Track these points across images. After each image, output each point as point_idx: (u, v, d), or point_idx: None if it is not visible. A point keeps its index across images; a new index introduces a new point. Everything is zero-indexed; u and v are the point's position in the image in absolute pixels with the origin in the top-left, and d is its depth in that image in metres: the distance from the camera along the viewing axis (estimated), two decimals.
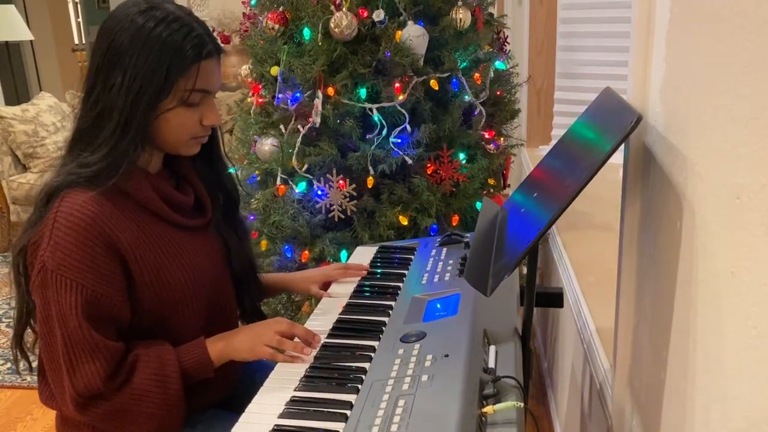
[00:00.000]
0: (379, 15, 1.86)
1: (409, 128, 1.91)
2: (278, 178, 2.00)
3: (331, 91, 1.87)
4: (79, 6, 7.41)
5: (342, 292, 1.34)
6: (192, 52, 1.05)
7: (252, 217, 2.07)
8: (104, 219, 1.03)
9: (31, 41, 5.96)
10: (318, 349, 1.12)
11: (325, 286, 1.40)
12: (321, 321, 1.22)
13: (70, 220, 1.01)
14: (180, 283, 1.12)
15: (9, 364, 2.64)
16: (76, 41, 7.39)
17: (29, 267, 1.06)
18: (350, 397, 0.95)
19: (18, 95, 6.47)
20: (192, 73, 1.06)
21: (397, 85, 1.87)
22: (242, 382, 1.29)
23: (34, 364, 1.20)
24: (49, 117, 3.95)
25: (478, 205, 2.01)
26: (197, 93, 1.08)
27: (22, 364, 1.24)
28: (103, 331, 1.04)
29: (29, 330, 1.15)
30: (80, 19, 7.44)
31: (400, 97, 1.87)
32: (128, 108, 1.04)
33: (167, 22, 1.04)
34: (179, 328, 1.14)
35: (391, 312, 1.21)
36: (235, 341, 1.14)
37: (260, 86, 2.04)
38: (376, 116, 1.90)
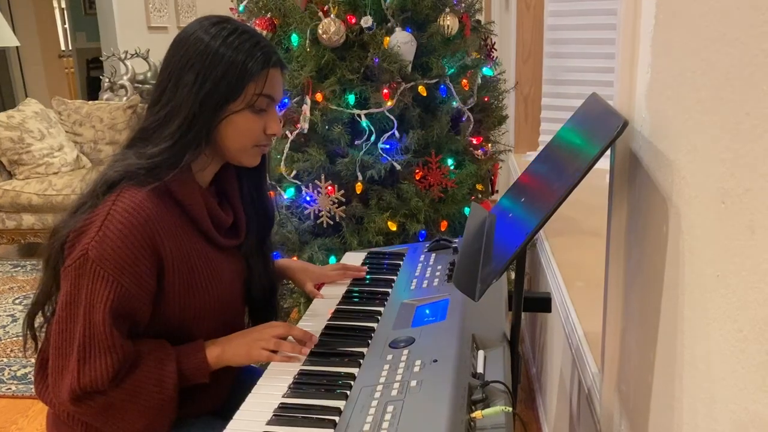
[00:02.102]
0: (367, 21, 1.87)
1: (397, 134, 1.92)
2: None
3: (319, 97, 1.87)
4: (65, 12, 7.38)
5: (333, 294, 1.34)
6: (262, 58, 1.10)
7: None
8: (155, 223, 1.06)
9: (17, 47, 5.92)
10: (307, 355, 1.11)
11: (319, 286, 1.40)
12: (311, 325, 1.21)
13: (124, 216, 1.03)
14: (204, 298, 1.14)
15: None
16: (63, 47, 7.35)
17: (67, 251, 1.06)
18: (339, 403, 0.95)
19: (3, 101, 6.43)
20: (261, 78, 1.11)
21: (385, 91, 1.88)
22: (235, 389, 1.28)
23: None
24: (34, 123, 3.92)
25: (467, 210, 2.02)
26: (264, 98, 1.12)
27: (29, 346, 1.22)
28: (120, 329, 1.05)
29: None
30: (67, 26, 7.41)
31: (389, 103, 1.88)
32: (197, 105, 1.08)
33: (236, 36, 1.10)
34: (188, 338, 1.15)
35: (379, 318, 1.21)
36: (232, 346, 1.14)
37: None
38: (364, 122, 1.90)
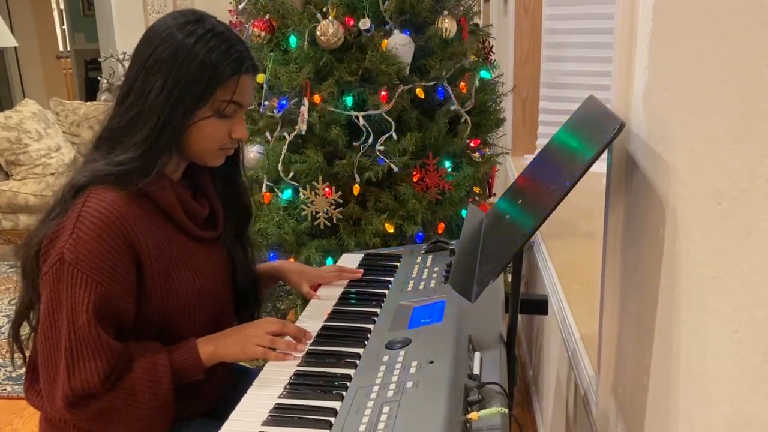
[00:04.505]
0: (365, 23, 1.87)
1: (395, 136, 1.92)
2: (264, 186, 1.99)
3: (317, 98, 1.87)
4: (64, 13, 7.37)
5: (330, 295, 1.34)
6: (233, 65, 1.08)
7: None
8: (128, 220, 1.04)
9: (15, 48, 5.91)
10: (302, 353, 1.11)
11: (315, 287, 1.40)
12: (308, 326, 1.21)
13: (95, 216, 1.02)
14: (187, 292, 1.13)
15: None
16: (61, 48, 7.35)
17: (42, 258, 1.05)
18: (335, 404, 0.94)
19: (1, 102, 6.42)
20: (231, 85, 1.08)
21: (383, 93, 1.88)
22: (230, 390, 1.28)
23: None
24: (32, 124, 3.91)
25: (464, 212, 2.02)
26: (233, 105, 1.10)
27: (17, 358, 1.21)
28: (107, 330, 1.04)
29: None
30: (65, 27, 7.40)
31: (386, 106, 1.88)
32: (166, 113, 1.06)
33: (210, 36, 1.07)
34: (178, 335, 1.14)
35: (376, 319, 1.20)
36: (226, 343, 1.14)
37: None
38: (362, 124, 1.90)
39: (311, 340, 1.15)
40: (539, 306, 1.31)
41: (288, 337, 1.15)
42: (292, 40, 1.90)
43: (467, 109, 2.07)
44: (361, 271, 1.44)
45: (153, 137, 1.06)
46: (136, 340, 1.10)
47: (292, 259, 1.97)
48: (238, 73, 1.08)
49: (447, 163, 2.02)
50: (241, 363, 1.34)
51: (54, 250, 1.02)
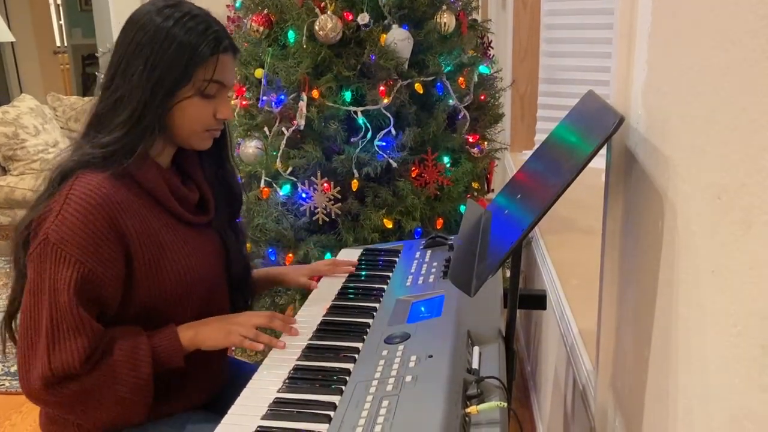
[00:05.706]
0: (363, 18, 1.87)
1: (393, 131, 1.92)
2: (262, 181, 1.99)
3: (315, 93, 1.87)
4: (61, 8, 7.35)
5: (329, 290, 1.34)
6: (211, 44, 1.10)
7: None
8: (115, 203, 1.05)
9: (12, 43, 5.89)
10: (302, 350, 1.11)
11: (316, 280, 1.40)
12: (306, 321, 1.21)
13: (82, 198, 1.03)
14: (177, 277, 1.13)
15: None
16: (58, 43, 7.32)
17: (31, 241, 1.05)
18: (334, 398, 0.94)
19: None
20: (211, 64, 1.10)
21: (381, 88, 1.88)
22: (229, 384, 1.28)
23: None
24: (29, 119, 3.90)
25: (462, 208, 2.02)
26: (214, 84, 1.12)
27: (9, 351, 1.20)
28: (88, 311, 1.04)
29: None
30: (62, 22, 7.37)
31: (385, 101, 1.88)
32: (147, 93, 1.07)
33: (188, 19, 1.09)
34: (169, 323, 1.13)
35: (375, 314, 1.21)
36: (208, 329, 1.14)
37: (244, 88, 2.04)
38: (360, 119, 1.90)
39: (298, 335, 1.15)
40: (538, 301, 1.31)
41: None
42: (291, 34, 1.90)
43: (466, 105, 2.07)
44: (356, 262, 1.44)
45: (136, 117, 1.08)
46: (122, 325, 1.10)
47: (290, 255, 1.97)
48: (216, 52, 1.10)
49: (445, 159, 2.02)
50: (239, 357, 1.34)
51: (41, 232, 1.03)
